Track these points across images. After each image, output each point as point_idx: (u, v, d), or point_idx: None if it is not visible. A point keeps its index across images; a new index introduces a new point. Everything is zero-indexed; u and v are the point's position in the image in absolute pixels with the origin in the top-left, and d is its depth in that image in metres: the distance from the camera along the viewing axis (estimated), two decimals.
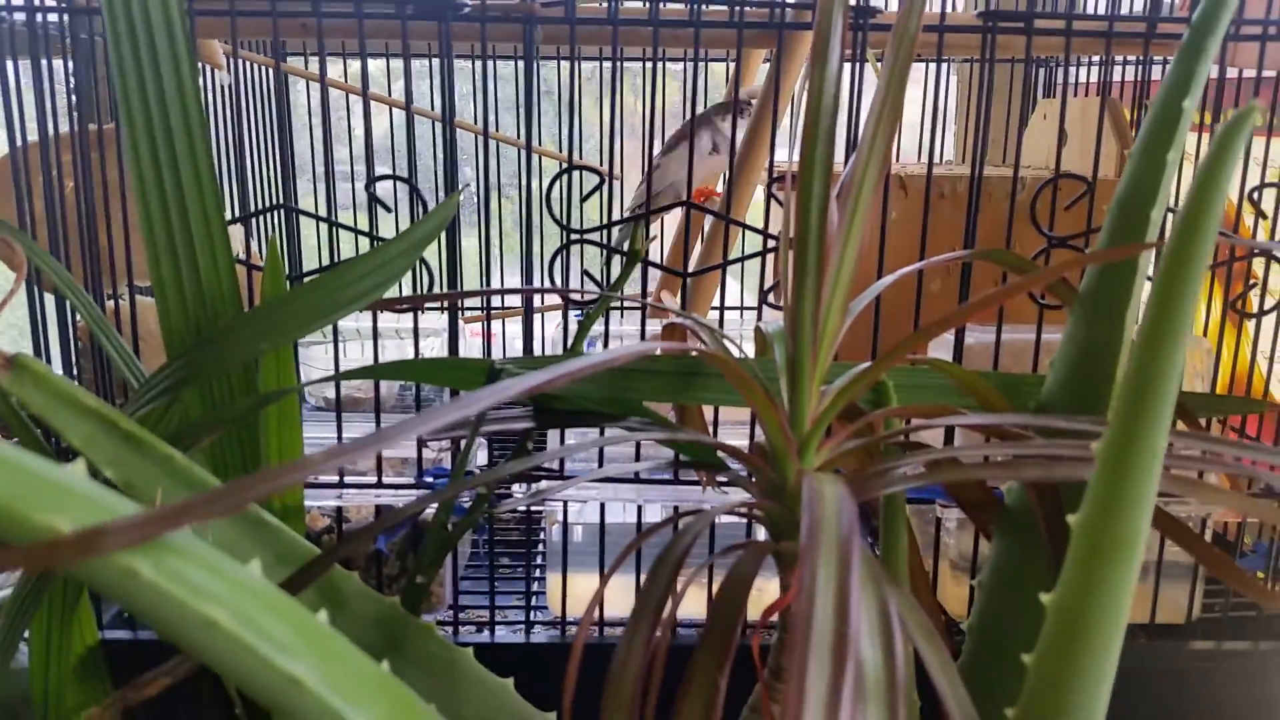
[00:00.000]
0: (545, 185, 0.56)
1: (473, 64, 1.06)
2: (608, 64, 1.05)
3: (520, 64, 0.89)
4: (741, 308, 1.10)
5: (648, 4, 0.56)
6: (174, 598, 0.25)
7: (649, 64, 0.90)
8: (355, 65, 1.19)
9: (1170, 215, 0.73)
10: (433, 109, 1.06)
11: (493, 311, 0.88)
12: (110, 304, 0.70)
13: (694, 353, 0.43)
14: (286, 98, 0.97)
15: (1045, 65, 1.07)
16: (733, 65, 0.97)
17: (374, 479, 0.62)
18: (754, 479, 0.45)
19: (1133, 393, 0.32)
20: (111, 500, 0.25)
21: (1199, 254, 0.32)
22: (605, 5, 0.57)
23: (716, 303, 0.98)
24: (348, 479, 0.62)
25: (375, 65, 1.09)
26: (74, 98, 0.67)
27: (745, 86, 0.88)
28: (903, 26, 0.47)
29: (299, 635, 0.27)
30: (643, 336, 0.62)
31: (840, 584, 0.30)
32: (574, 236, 0.57)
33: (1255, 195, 0.62)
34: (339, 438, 0.63)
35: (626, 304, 0.52)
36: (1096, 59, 0.94)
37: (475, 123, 0.81)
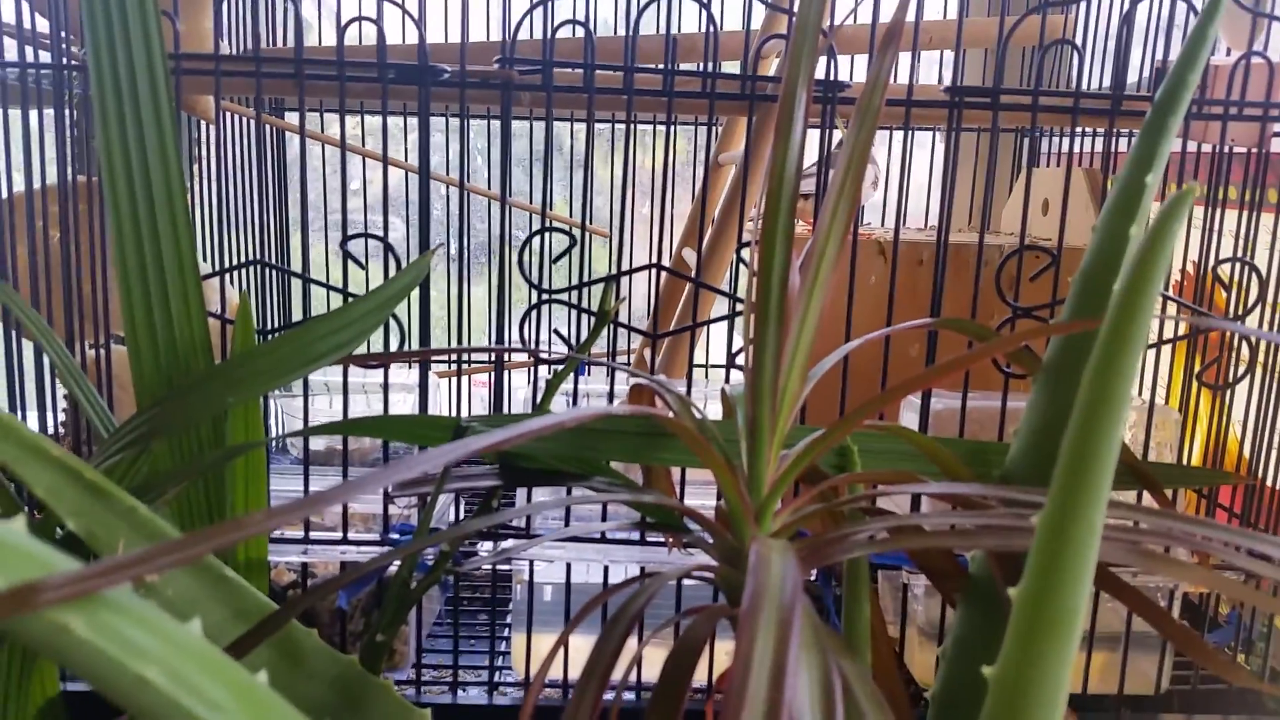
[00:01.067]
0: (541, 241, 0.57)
1: (446, 122, 1.08)
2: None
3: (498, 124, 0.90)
4: (728, 365, 1.11)
5: (623, 71, 0.57)
6: (107, 655, 0.25)
7: (623, 126, 0.91)
8: (353, 118, 1.21)
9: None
10: (448, 172, 1.08)
11: (464, 367, 0.89)
12: (91, 353, 0.70)
13: (655, 417, 0.44)
14: (276, 152, 0.98)
15: (1031, 135, 1.09)
16: (720, 128, 0.99)
17: (340, 534, 0.62)
18: (713, 543, 0.45)
19: (1069, 468, 0.33)
20: (50, 556, 0.26)
21: (1135, 333, 0.33)
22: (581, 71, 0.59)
23: (702, 358, 0.99)
24: (314, 534, 0.62)
25: (372, 119, 1.11)
26: (63, 149, 0.68)
27: (729, 150, 0.89)
28: (866, 103, 0.48)
29: (235, 696, 0.27)
30: (611, 395, 0.62)
31: (778, 653, 0.30)
32: (545, 296, 0.58)
33: (1229, 267, 0.63)
34: (305, 491, 0.63)
35: (596, 362, 0.52)
36: (1085, 129, 0.95)
37: (482, 186, 0.83)
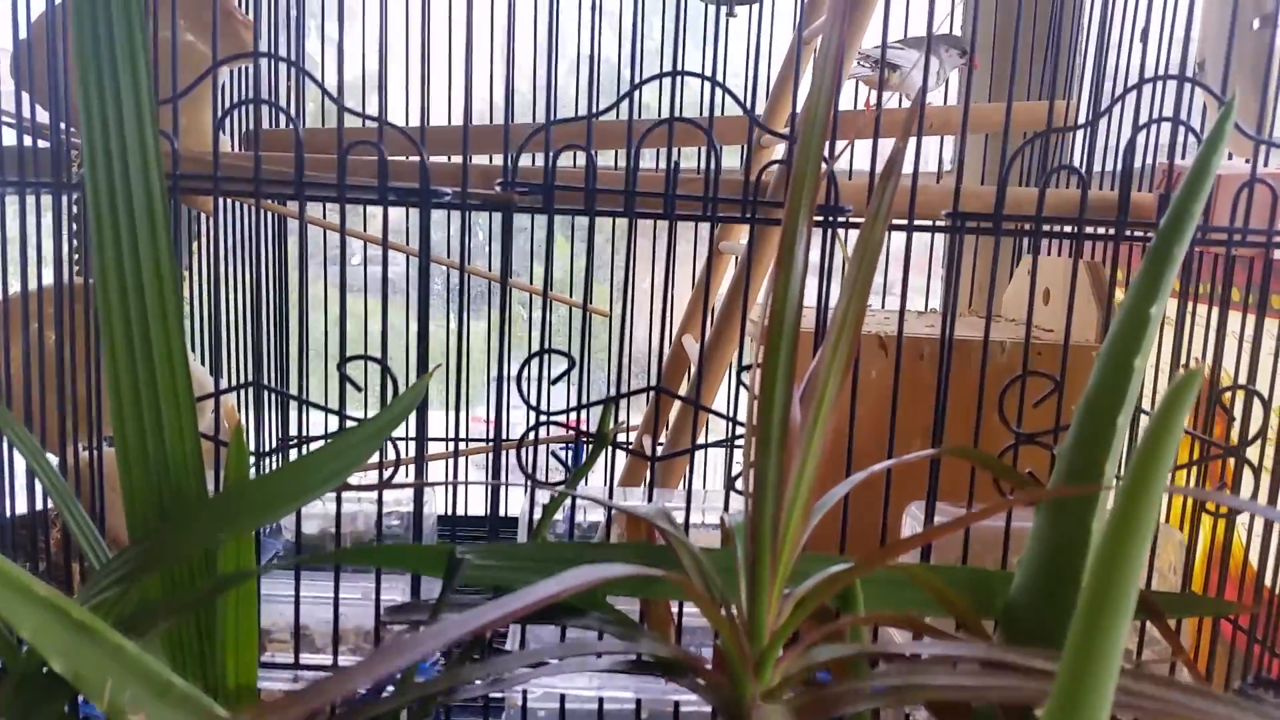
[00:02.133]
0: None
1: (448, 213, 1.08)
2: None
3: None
4: (727, 488, 1.10)
5: (623, 195, 0.57)
6: None
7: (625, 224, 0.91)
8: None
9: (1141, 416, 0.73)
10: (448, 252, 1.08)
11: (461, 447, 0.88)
12: (85, 454, 0.69)
13: (651, 576, 0.43)
14: (277, 238, 0.98)
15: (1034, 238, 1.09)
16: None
17: (330, 658, 0.61)
18: (711, 691, 0.44)
19: (1082, 639, 0.32)
20: None
21: (1143, 523, 0.32)
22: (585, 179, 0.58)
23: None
24: (304, 656, 0.61)
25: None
26: (59, 252, 0.68)
27: (730, 240, 0.89)
28: (867, 236, 0.48)
29: None
30: (608, 520, 0.61)
31: None
32: (542, 418, 0.57)
33: (1224, 396, 0.62)
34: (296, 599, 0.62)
35: (591, 498, 0.52)
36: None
37: (483, 266, 0.82)
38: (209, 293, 0.65)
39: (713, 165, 0.57)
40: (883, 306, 1.12)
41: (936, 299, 1.12)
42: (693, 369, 0.86)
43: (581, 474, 0.53)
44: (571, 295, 1.03)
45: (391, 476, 0.56)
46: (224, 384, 0.65)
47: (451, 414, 0.90)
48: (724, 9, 0.99)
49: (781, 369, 0.47)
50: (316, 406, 0.56)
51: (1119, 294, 0.95)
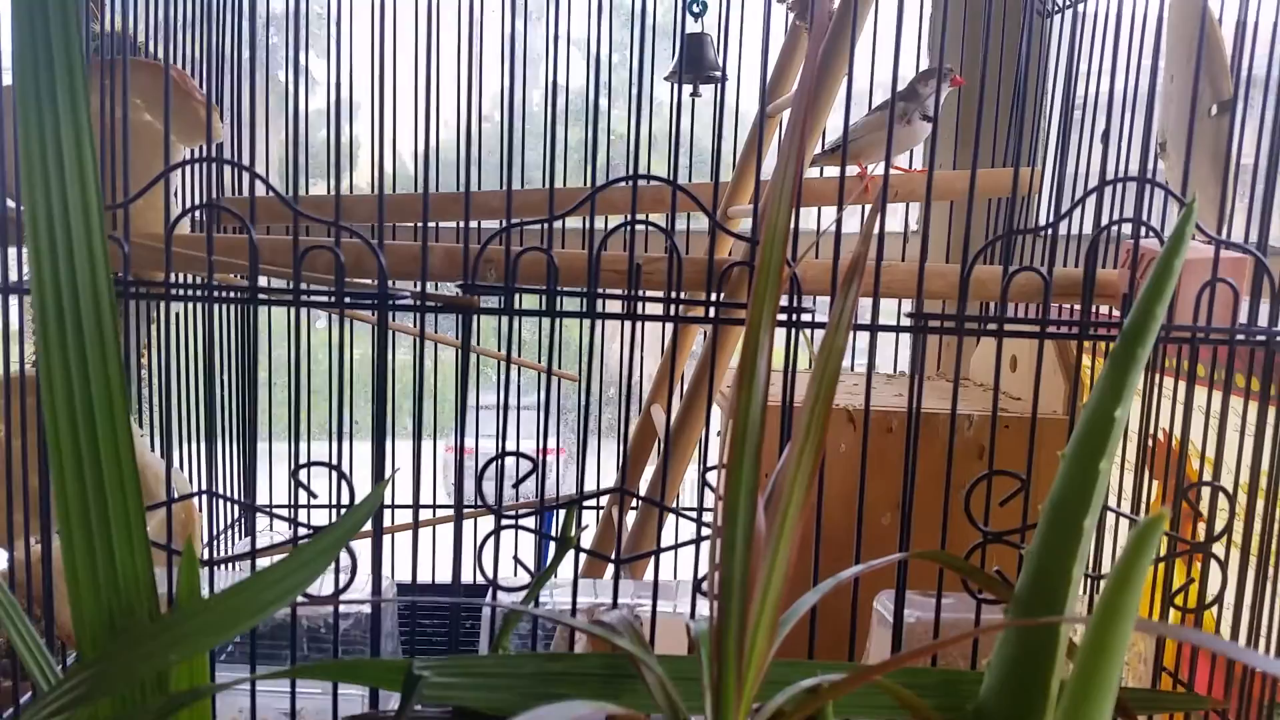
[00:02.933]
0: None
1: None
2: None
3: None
4: (694, 590, 1.09)
5: (584, 300, 0.57)
6: None
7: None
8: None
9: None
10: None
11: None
12: (37, 548, 0.68)
13: (613, 712, 0.42)
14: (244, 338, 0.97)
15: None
16: None
17: None
18: None
19: None
20: None
21: (1108, 676, 0.31)
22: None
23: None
24: None
25: None
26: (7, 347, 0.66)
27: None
28: (830, 342, 0.47)
29: None
30: (573, 614, 0.60)
31: None
32: (505, 521, 0.56)
33: (1193, 493, 0.62)
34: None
35: (567, 622, 0.51)
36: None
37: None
38: (161, 380, 0.64)
39: (674, 267, 0.56)
40: (852, 368, 1.12)
41: (906, 351, 1.12)
42: (660, 440, 0.85)
43: (546, 577, 0.52)
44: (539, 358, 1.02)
45: (347, 586, 0.55)
46: (177, 467, 0.64)
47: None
48: (688, 89, 0.99)
49: (745, 482, 0.46)
50: (264, 510, 0.54)
51: (1086, 361, 0.95)
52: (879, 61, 0.97)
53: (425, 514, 1.06)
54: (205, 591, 0.56)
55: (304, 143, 0.89)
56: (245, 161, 0.97)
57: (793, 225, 0.51)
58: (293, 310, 0.55)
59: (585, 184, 1.02)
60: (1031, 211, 1.04)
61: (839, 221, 0.60)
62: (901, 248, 1.17)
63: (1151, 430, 0.85)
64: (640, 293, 0.57)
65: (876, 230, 0.99)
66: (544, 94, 1.07)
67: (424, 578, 1.13)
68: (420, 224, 0.58)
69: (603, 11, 0.93)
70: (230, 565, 0.68)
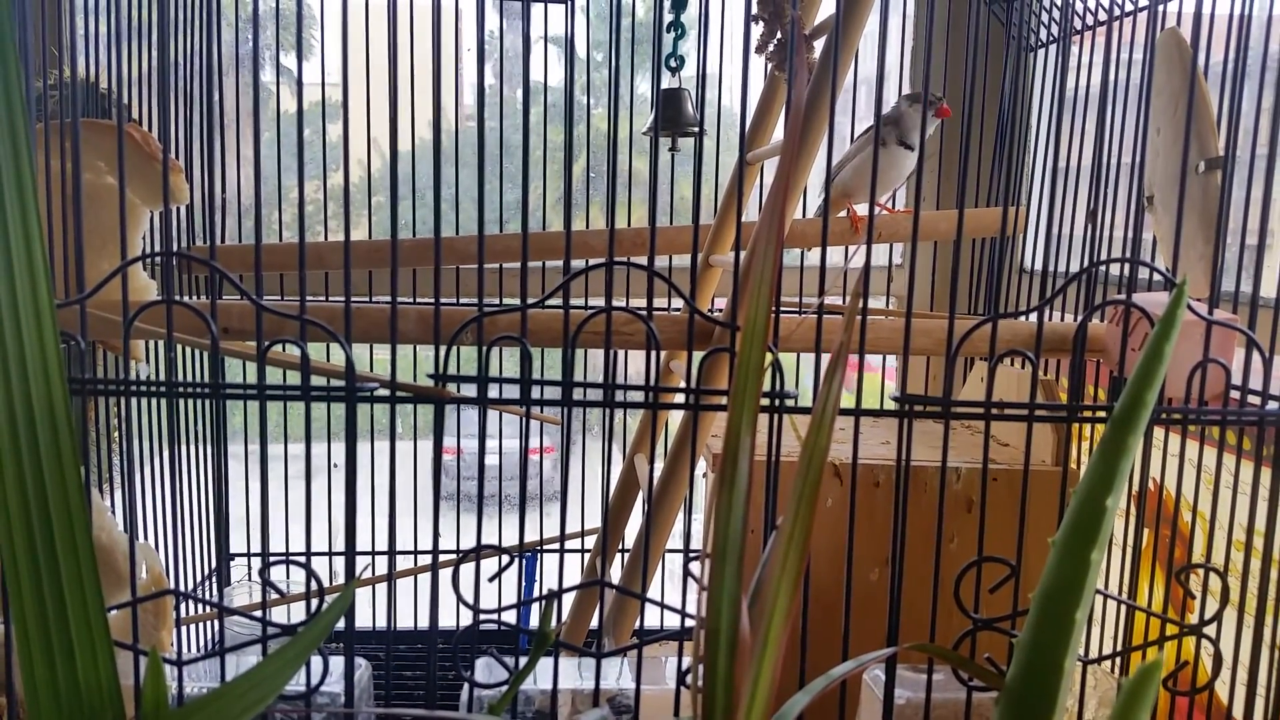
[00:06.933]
0: None
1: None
2: None
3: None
4: (678, 684, 1.07)
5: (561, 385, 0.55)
6: None
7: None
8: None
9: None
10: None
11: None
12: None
13: None
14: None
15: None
16: None
17: None
18: None
19: None
20: None
21: None
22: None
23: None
24: None
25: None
26: None
27: (680, 360, 0.87)
28: (812, 442, 0.46)
29: None
30: (553, 701, 0.58)
31: None
32: (481, 618, 0.55)
33: (1182, 576, 0.61)
34: None
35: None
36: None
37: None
38: (124, 463, 0.62)
39: (654, 358, 0.55)
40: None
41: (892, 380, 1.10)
42: (642, 494, 0.83)
43: (523, 676, 0.50)
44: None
45: (317, 687, 0.53)
46: (150, 544, 0.62)
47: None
48: (665, 144, 0.97)
49: (728, 587, 0.45)
50: (232, 612, 0.53)
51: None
52: (860, 101, 0.95)
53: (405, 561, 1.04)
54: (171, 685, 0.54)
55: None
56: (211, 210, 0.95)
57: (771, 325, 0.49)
58: (259, 404, 0.53)
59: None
60: (1018, 250, 1.02)
61: (821, 289, 0.58)
62: (886, 285, 1.16)
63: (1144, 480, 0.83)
64: (618, 381, 0.55)
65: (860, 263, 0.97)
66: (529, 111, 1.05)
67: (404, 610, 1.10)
68: (390, 299, 0.56)
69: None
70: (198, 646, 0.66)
